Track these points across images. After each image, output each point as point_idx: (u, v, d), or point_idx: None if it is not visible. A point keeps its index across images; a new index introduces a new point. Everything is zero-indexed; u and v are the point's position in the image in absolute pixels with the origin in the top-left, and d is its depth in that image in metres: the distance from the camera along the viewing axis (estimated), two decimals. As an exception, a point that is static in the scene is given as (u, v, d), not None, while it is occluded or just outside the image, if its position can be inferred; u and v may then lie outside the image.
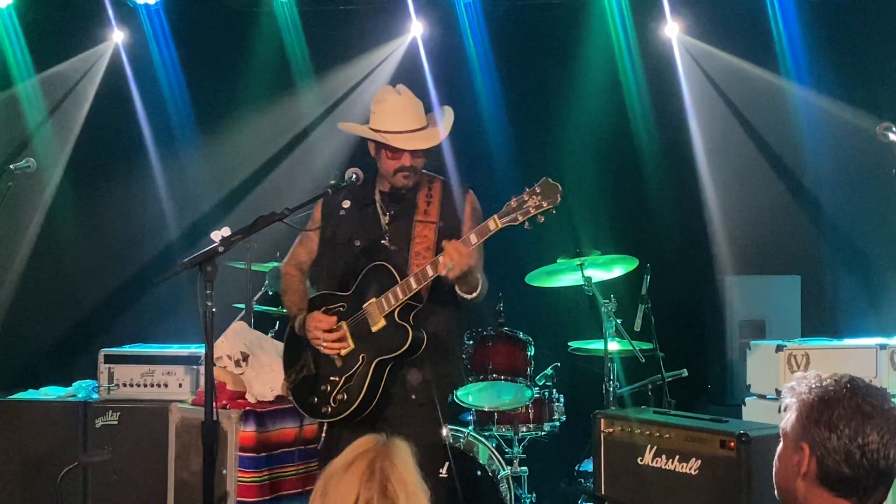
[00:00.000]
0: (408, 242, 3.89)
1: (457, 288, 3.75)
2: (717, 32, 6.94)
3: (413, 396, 3.87)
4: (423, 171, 4.01)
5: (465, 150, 6.93)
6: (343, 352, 3.83)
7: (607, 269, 5.72)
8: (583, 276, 5.51)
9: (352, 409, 3.77)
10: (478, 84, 7.08)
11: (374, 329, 3.80)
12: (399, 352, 3.76)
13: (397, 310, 3.77)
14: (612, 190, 6.97)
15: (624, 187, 7.00)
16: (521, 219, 3.60)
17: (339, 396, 3.79)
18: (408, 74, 7.06)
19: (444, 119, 3.97)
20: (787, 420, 2.27)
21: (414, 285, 3.73)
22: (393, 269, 3.80)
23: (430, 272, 3.69)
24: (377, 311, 3.79)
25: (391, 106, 3.92)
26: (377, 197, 3.97)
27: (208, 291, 3.42)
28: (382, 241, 3.92)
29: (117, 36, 7.08)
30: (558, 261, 5.63)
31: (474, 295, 3.78)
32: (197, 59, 7.10)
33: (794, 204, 6.95)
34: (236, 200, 6.98)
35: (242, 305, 5.83)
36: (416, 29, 7.10)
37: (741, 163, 6.98)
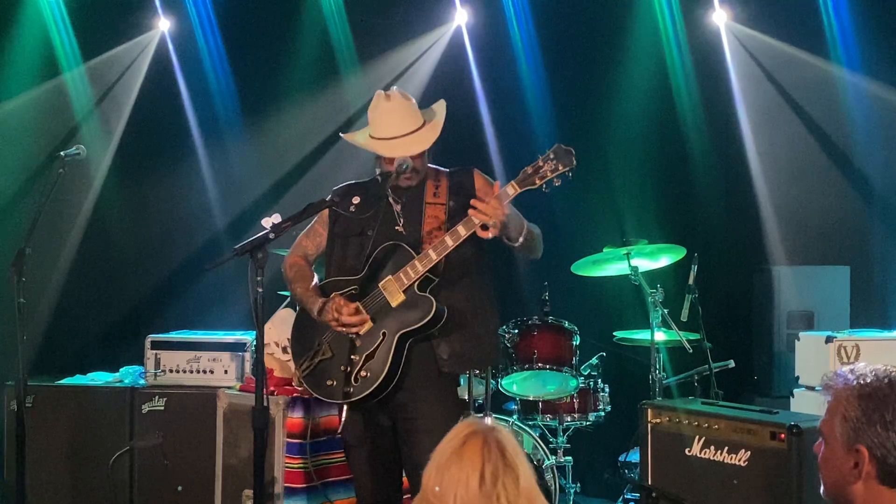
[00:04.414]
0: (419, 223, 3.94)
1: (505, 240, 3.81)
2: (766, 19, 6.84)
3: (445, 370, 3.90)
4: (431, 165, 4.05)
5: (510, 137, 6.94)
6: (362, 331, 3.83)
7: (654, 259, 5.68)
8: (629, 265, 5.48)
9: (375, 385, 3.77)
10: (522, 72, 7.04)
11: (393, 304, 3.82)
12: (423, 322, 3.78)
13: (416, 283, 3.80)
14: (660, 178, 6.90)
15: (671, 175, 6.92)
16: (538, 182, 3.70)
17: (362, 374, 3.80)
18: (452, 63, 7.05)
19: (439, 114, 4.03)
20: (830, 423, 2.24)
21: (434, 256, 3.77)
22: (407, 247, 3.85)
23: (464, 231, 3.71)
24: (395, 287, 3.81)
25: (380, 113, 3.97)
26: (389, 192, 3.97)
27: (259, 278, 3.43)
28: (396, 227, 3.95)
29: (164, 24, 7.10)
30: (605, 250, 5.60)
31: (522, 240, 3.82)
32: (243, 46, 7.11)
33: (843, 193, 6.84)
34: (283, 188, 6.98)
35: (288, 293, 5.84)
36: (461, 17, 7.07)
37: (790, 150, 6.89)
